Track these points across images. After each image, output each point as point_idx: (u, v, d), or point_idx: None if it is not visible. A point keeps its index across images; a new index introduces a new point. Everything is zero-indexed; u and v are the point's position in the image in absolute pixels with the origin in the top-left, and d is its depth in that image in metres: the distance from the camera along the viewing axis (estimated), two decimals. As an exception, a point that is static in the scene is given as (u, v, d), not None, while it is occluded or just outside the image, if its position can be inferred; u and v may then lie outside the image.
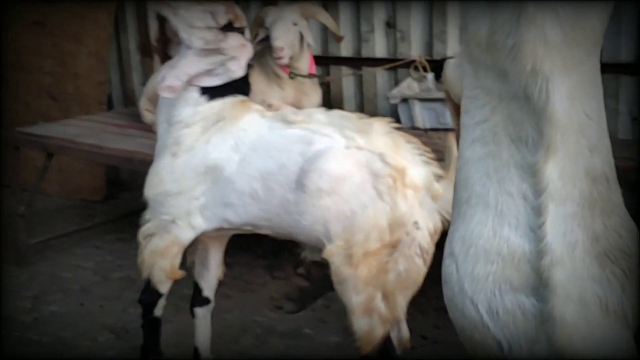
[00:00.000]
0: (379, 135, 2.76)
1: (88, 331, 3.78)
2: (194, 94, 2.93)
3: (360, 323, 2.67)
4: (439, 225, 2.69)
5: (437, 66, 2.31)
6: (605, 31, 1.57)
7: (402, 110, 4.23)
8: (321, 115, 2.89)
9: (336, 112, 2.95)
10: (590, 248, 1.55)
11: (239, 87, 2.98)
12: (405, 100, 4.20)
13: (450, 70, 2.09)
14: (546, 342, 1.53)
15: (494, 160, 1.61)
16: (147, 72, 5.59)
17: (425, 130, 4.17)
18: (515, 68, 1.52)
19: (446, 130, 4.09)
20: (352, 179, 2.66)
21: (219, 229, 3.00)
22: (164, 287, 3.07)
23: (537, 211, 1.54)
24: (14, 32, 6.16)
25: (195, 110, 2.93)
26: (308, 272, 4.31)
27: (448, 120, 4.11)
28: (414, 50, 4.60)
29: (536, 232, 1.54)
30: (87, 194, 5.77)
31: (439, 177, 2.75)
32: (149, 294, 3.08)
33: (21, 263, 4.56)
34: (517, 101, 1.54)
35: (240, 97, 2.98)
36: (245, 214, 2.88)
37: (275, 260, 4.51)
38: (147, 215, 3.01)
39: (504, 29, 1.52)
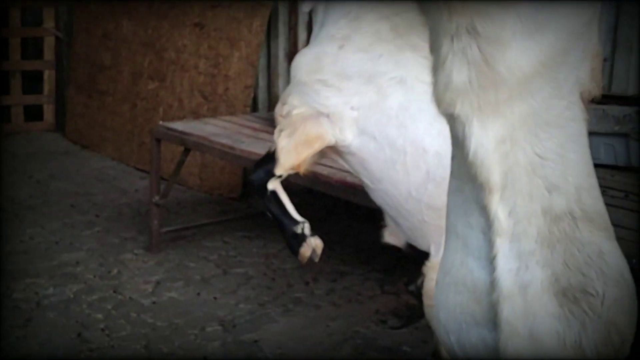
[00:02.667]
0: None
1: (199, 320, 3.96)
2: None
3: None
4: None
5: None
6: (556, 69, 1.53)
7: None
8: None
9: None
10: (549, 286, 1.54)
11: None
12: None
13: None
14: None
15: (461, 193, 1.63)
16: (293, 79, 5.77)
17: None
18: (442, 115, 1.52)
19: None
20: None
21: (340, 152, 2.93)
22: (280, 171, 3.00)
23: (491, 245, 1.54)
24: (176, 32, 6.55)
25: None
26: (419, 290, 4.31)
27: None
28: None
29: (492, 265, 1.55)
30: (225, 190, 6.03)
31: None
32: (264, 173, 3.03)
33: (152, 249, 4.84)
34: (459, 143, 1.54)
35: None
36: (370, 159, 2.82)
37: (388, 275, 4.55)
38: (293, 99, 2.93)
39: (432, 76, 1.53)
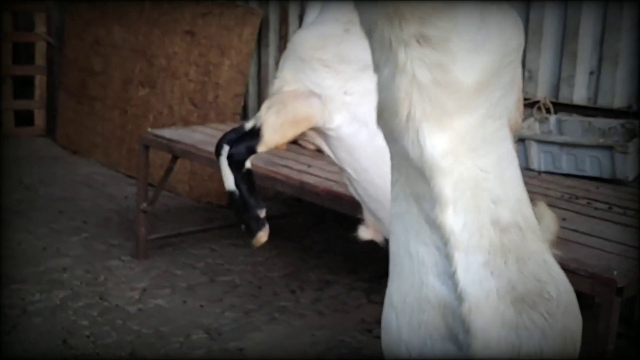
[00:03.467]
0: None
1: (184, 328, 3.97)
2: None
3: None
4: None
5: None
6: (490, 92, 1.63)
7: (517, 150, 4.18)
8: None
9: None
10: (505, 295, 1.59)
11: None
12: (521, 140, 4.16)
13: None
14: None
15: (409, 215, 1.69)
16: (283, 88, 5.78)
17: (539, 172, 4.10)
18: (396, 123, 1.58)
19: (561, 175, 4.03)
20: None
21: (326, 136, 2.90)
22: (263, 148, 2.92)
23: (449, 260, 1.58)
24: (167, 39, 6.57)
25: None
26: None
27: (564, 164, 4.05)
28: (540, 91, 4.53)
29: (452, 279, 1.58)
30: (214, 197, 6.03)
31: None
32: (245, 149, 2.92)
33: (139, 256, 4.84)
34: (407, 159, 1.59)
35: None
36: (359, 147, 2.80)
37: (375, 284, 4.56)
38: (287, 74, 2.86)
39: (386, 87, 1.60)
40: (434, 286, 1.63)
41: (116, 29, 7.18)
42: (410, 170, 1.61)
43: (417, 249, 1.66)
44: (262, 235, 3.10)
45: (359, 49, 2.83)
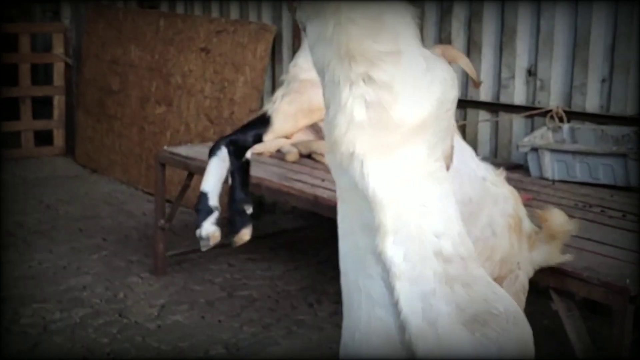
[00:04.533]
0: (507, 186, 2.81)
1: (203, 344, 4.00)
2: None
3: None
4: (531, 272, 2.75)
5: None
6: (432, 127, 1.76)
7: (531, 159, 4.19)
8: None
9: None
10: (456, 318, 1.64)
11: None
12: (535, 149, 4.17)
13: None
14: None
15: (356, 249, 1.74)
16: (297, 103, 5.82)
17: (553, 181, 4.11)
18: (343, 156, 1.66)
19: (575, 183, 4.03)
20: (485, 208, 2.70)
21: None
22: (271, 137, 2.94)
23: (391, 290, 1.65)
24: (182, 57, 6.64)
25: None
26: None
27: (577, 173, 4.05)
28: (553, 100, 4.54)
29: (396, 309, 1.65)
30: (231, 213, 6.06)
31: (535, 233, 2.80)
32: (252, 136, 2.91)
33: (157, 272, 4.89)
34: (355, 189, 1.65)
35: None
36: None
37: (392, 296, 4.57)
38: (303, 62, 2.94)
39: (332, 123, 1.71)
40: (382, 317, 1.69)
41: (133, 48, 7.27)
42: (360, 200, 1.69)
43: (364, 282, 1.73)
44: (245, 233, 3.03)
45: None
